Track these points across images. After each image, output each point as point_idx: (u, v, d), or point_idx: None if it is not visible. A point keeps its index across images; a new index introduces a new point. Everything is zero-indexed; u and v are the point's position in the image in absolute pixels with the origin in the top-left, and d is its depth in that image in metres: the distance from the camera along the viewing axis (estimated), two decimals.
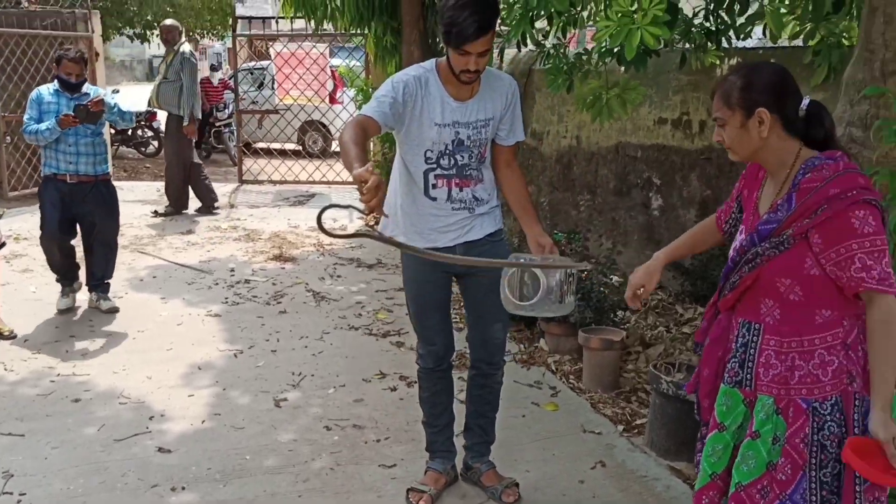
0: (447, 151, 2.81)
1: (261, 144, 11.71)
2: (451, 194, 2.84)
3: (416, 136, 2.78)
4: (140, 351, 4.57)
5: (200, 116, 8.19)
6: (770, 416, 1.90)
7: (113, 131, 10.44)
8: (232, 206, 8.81)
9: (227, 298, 5.54)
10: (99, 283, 5.23)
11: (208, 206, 8.32)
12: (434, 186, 2.84)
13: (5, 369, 4.24)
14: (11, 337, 4.68)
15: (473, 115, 2.79)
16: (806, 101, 1.93)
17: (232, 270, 6.24)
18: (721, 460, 2.02)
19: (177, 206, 8.22)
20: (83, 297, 5.34)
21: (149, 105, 8.96)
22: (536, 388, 4.10)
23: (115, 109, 5.06)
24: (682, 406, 3.28)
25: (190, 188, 8.26)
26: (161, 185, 8.75)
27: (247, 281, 5.96)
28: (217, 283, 5.89)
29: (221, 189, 9.66)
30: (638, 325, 4.80)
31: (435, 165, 2.82)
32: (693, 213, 5.32)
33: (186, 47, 8.07)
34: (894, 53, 2.73)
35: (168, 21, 8.42)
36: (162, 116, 9.21)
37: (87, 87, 5.06)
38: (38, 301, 5.36)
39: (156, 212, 8.22)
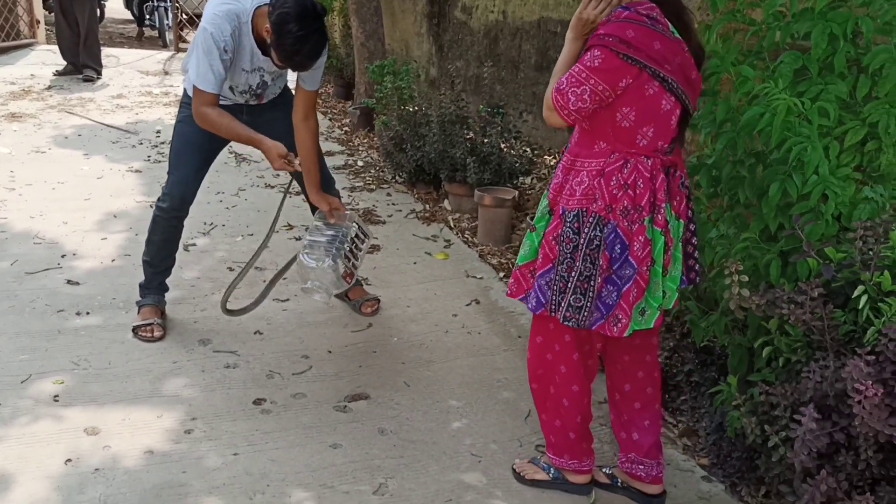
0: (251, 90, 3.08)
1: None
2: (247, 101, 3.14)
3: (226, 76, 2.95)
4: (59, 200, 4.74)
5: None
6: (544, 215, 2.24)
7: None
8: (166, 73, 8.78)
9: (149, 157, 5.69)
10: None
11: (96, 72, 8.10)
12: (237, 89, 3.09)
13: None
14: None
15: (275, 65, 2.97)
16: None
17: (158, 132, 6.36)
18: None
19: (78, 65, 8.05)
20: None
21: None
22: (432, 240, 4.40)
23: None
24: None
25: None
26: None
27: None
28: (142, 143, 6.02)
29: (157, 56, 9.61)
30: (536, 189, 5.08)
31: (238, 94, 3.09)
32: None
33: None
34: None
35: None
36: None
37: None
38: None
39: (56, 72, 8.10)
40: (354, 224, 3.17)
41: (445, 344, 3.30)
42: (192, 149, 3.11)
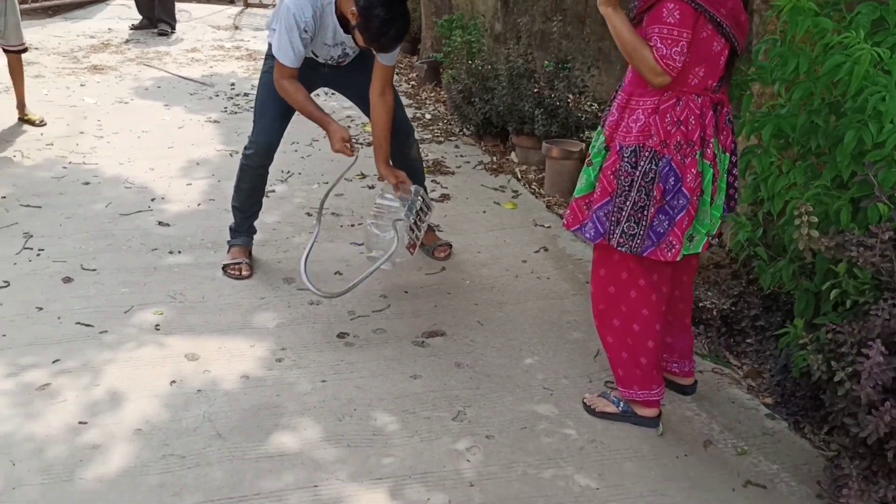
0: (333, 59, 3.24)
1: None
2: (328, 63, 3.28)
3: (306, 51, 3.11)
4: (144, 148, 4.99)
5: None
6: (601, 151, 2.39)
7: None
8: (237, 27, 8.98)
9: (226, 108, 5.90)
10: None
11: (170, 27, 8.31)
12: (319, 56, 3.25)
13: (22, 156, 4.69)
14: (42, 125, 5.18)
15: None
16: None
17: (233, 85, 6.57)
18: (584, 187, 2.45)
19: (154, 20, 8.28)
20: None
21: None
22: (500, 191, 4.52)
23: None
24: None
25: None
26: None
27: (246, 94, 6.28)
28: (217, 95, 6.24)
29: (226, 11, 9.81)
30: None
31: (321, 58, 3.24)
32: None
33: None
34: None
35: None
36: None
37: None
38: (51, 102, 5.75)
39: (132, 26, 8.36)
40: (419, 197, 3.30)
41: (516, 287, 3.44)
42: (277, 98, 3.23)
